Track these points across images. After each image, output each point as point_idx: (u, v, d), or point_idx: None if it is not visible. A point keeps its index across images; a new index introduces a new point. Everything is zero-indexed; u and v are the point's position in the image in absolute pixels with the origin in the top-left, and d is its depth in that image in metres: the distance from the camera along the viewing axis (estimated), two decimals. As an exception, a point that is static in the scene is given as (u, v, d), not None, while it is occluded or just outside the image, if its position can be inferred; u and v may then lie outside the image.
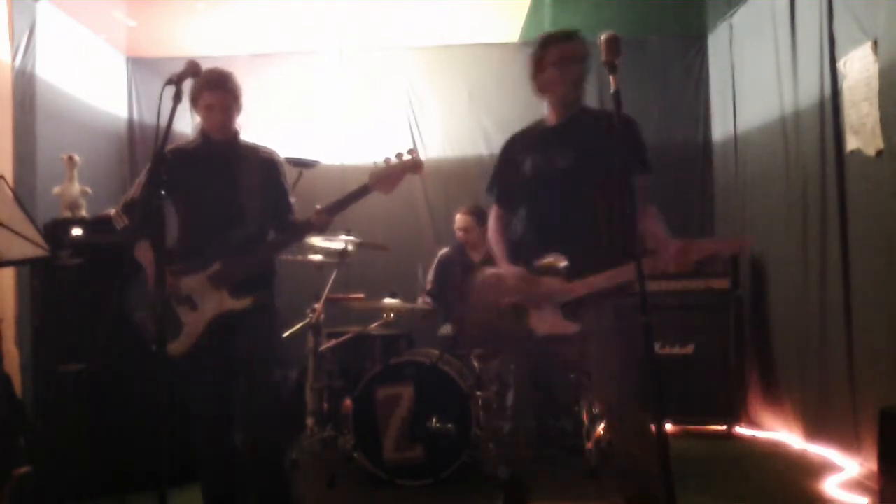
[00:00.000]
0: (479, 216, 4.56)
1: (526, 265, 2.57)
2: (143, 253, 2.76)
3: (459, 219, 4.57)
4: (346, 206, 2.81)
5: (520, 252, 2.66)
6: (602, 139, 2.45)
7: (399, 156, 2.78)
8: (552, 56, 2.55)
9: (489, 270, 2.75)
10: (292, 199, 3.00)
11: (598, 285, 2.43)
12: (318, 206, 2.80)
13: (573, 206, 2.49)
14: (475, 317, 2.77)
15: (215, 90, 2.78)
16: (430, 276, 4.67)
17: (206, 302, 2.74)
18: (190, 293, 2.75)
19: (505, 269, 2.66)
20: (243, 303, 2.76)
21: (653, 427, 1.93)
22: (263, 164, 2.92)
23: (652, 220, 2.47)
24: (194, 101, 2.82)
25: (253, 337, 2.78)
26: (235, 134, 2.91)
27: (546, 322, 2.54)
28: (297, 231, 2.89)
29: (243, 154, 2.90)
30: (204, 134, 2.87)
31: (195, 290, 2.74)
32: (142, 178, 2.82)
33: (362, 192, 2.79)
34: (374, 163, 2.79)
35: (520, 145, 2.72)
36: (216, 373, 2.76)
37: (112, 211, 3.13)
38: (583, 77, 2.54)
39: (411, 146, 2.88)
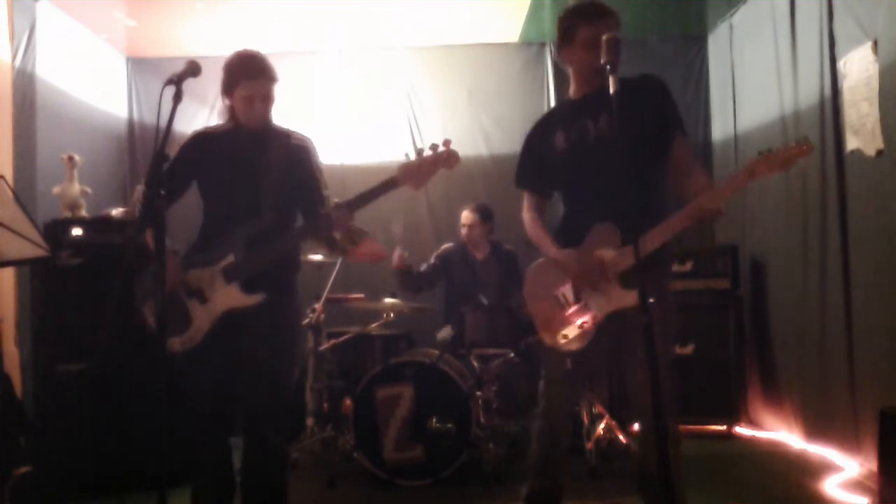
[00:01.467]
0: (484, 214, 4.57)
1: (575, 245, 2.46)
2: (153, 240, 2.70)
3: (465, 216, 4.58)
4: (369, 201, 2.57)
5: (566, 233, 2.55)
6: (636, 103, 2.34)
7: (434, 147, 2.48)
8: (584, 35, 2.43)
9: (537, 261, 2.62)
10: (326, 192, 2.77)
11: (652, 244, 2.31)
12: (337, 200, 2.60)
13: (615, 173, 2.19)
14: (535, 313, 2.58)
15: (256, 79, 2.61)
16: (431, 262, 4.65)
17: (216, 296, 2.62)
18: (201, 286, 2.63)
19: (555, 253, 2.51)
20: (253, 299, 2.61)
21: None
22: (293, 152, 2.74)
23: (700, 178, 2.43)
24: (229, 91, 2.66)
25: (261, 335, 2.65)
26: (265, 121, 2.74)
27: (609, 299, 2.39)
28: (313, 227, 2.67)
29: (272, 141, 2.73)
30: (235, 120, 2.71)
31: (206, 283, 2.62)
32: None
33: (388, 185, 2.52)
34: (410, 154, 2.52)
35: (547, 124, 2.62)
36: (220, 371, 2.65)
37: (112, 211, 3.13)
38: (619, 45, 2.19)
39: (448, 139, 2.54)
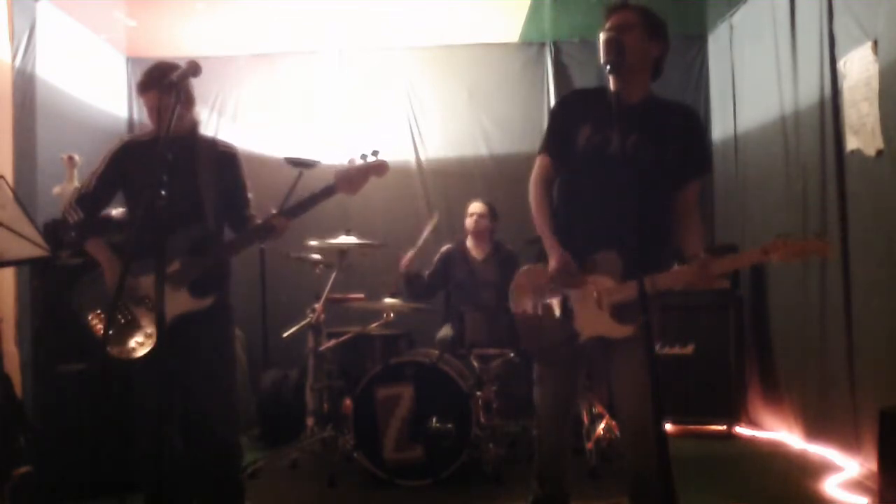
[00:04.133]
0: (493, 210, 4.57)
1: (572, 255, 2.44)
2: (98, 249, 2.73)
3: (474, 205, 4.58)
4: (308, 209, 2.76)
5: (564, 239, 2.51)
6: (669, 133, 2.38)
7: (364, 157, 2.77)
8: (602, 29, 2.40)
9: (528, 266, 2.65)
10: (250, 195, 2.94)
11: (658, 286, 2.32)
12: (274, 210, 2.74)
13: (626, 196, 2.16)
14: (517, 314, 2.64)
15: (148, 91, 2.69)
16: (432, 268, 4.66)
17: (166, 302, 2.67)
18: (147, 293, 2.66)
19: (554, 251, 2.45)
20: (204, 302, 2.70)
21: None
22: (221, 159, 2.86)
23: (697, 230, 2.45)
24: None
25: (212, 337, 2.75)
26: (192, 128, 2.83)
27: (594, 323, 2.42)
28: (255, 234, 2.79)
29: (200, 148, 2.82)
30: (157, 129, 2.77)
31: (153, 289, 2.56)
32: (97, 171, 2.78)
33: (327, 193, 2.75)
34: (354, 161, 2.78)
35: (580, 106, 2.55)
36: (174, 375, 2.63)
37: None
38: (620, 45, 2.17)
39: (376, 149, 2.84)
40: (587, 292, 2.43)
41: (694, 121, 2.53)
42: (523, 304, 2.60)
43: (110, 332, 2.66)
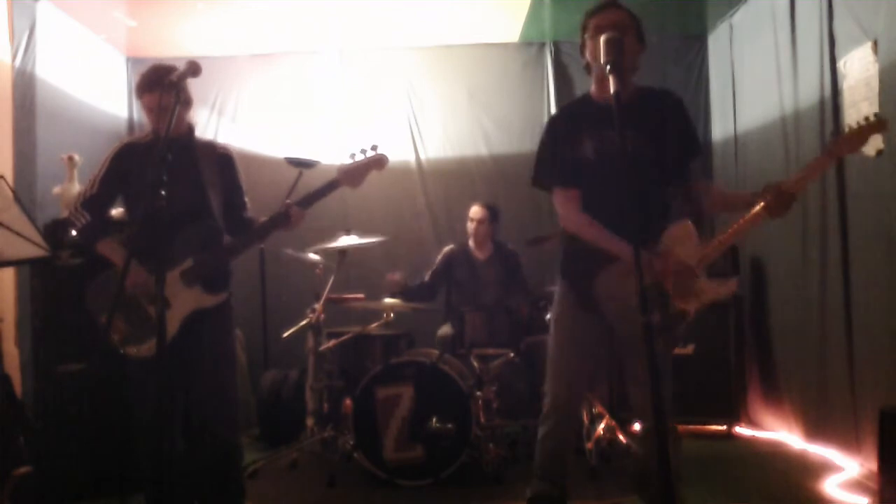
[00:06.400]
0: (493, 212, 4.57)
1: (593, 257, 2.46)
2: (111, 251, 2.74)
3: (474, 210, 4.58)
4: (316, 200, 2.85)
5: (587, 245, 2.51)
6: (659, 119, 2.44)
7: (363, 151, 2.85)
8: (589, 28, 2.45)
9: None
10: (246, 199, 2.98)
11: (729, 241, 2.41)
12: (288, 200, 2.82)
13: (643, 189, 2.18)
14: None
15: (148, 92, 2.71)
16: (434, 267, 4.65)
17: (179, 299, 2.67)
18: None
19: (624, 251, 2.35)
20: (218, 298, 2.74)
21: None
22: (219, 160, 2.89)
23: (716, 188, 2.54)
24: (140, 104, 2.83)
25: (218, 336, 2.78)
26: (189, 130, 2.86)
27: (708, 289, 2.45)
28: (273, 223, 2.81)
29: (199, 150, 2.85)
30: (155, 131, 2.79)
31: (167, 287, 2.55)
32: (99, 173, 2.79)
33: (331, 186, 2.84)
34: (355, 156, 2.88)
35: (573, 125, 2.56)
36: (176, 374, 2.64)
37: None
38: (621, 45, 2.12)
39: (375, 143, 2.91)
40: (683, 267, 2.44)
41: (678, 103, 2.60)
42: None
43: (129, 331, 2.69)
